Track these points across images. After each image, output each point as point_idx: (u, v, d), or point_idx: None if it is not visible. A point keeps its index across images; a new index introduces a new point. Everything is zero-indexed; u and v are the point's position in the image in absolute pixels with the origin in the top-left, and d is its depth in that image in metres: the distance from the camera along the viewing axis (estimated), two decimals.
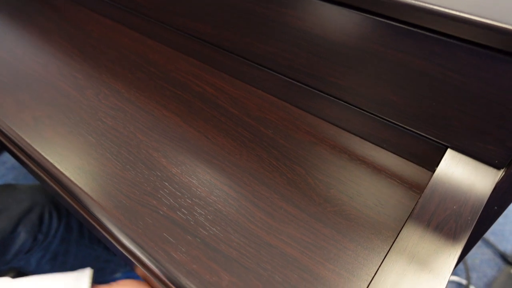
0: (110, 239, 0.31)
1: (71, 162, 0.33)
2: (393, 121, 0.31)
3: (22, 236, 0.57)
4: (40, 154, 0.34)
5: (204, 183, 0.31)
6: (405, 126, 0.31)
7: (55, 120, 0.37)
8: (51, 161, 0.33)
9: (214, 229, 0.28)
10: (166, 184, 0.31)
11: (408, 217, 0.28)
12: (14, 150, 0.39)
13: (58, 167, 0.33)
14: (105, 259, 0.77)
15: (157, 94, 0.40)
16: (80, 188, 0.31)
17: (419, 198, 0.29)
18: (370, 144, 0.34)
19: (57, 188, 0.34)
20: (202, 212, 0.29)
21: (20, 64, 0.44)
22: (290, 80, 0.36)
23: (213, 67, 0.43)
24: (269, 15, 0.33)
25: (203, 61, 0.43)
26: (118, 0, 0.48)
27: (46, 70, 0.43)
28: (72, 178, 0.32)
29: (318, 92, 0.35)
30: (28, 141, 0.34)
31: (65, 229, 0.64)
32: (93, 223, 0.32)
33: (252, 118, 0.37)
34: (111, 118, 0.37)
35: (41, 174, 0.35)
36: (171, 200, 0.30)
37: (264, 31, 0.35)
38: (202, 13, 0.40)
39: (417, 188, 0.31)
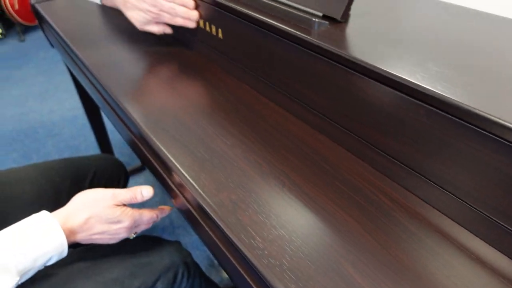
0: None
1: (269, 253, 0.37)
2: None
3: None
4: (239, 240, 0.39)
5: None
6: None
7: (249, 205, 0.42)
8: (250, 252, 0.38)
9: None
10: None
11: None
12: (207, 228, 0.45)
13: (257, 254, 0.37)
14: None
15: (334, 194, 0.44)
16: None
17: None
18: None
19: (248, 279, 0.38)
20: None
21: (212, 142, 0.52)
22: (475, 209, 0.37)
23: (387, 176, 0.46)
24: (461, 147, 0.35)
25: (376, 168, 0.47)
26: (292, 92, 0.55)
27: (234, 152, 0.50)
28: (270, 272, 0.36)
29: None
30: (227, 226, 0.40)
31: None
32: None
33: (432, 239, 0.39)
34: (297, 213, 0.42)
35: (233, 260, 0.40)
36: None
37: (446, 155, 0.37)
38: (385, 125, 0.43)
39: None
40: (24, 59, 2.62)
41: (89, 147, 1.78)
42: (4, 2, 2.64)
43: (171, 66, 0.71)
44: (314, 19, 0.47)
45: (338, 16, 0.48)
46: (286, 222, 0.41)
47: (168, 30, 0.73)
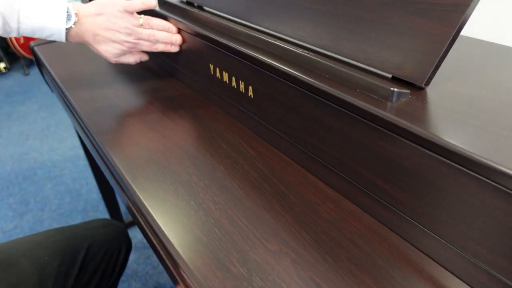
0: None
1: None
2: None
3: None
4: None
5: None
6: None
7: None
8: None
9: None
10: None
11: None
12: None
13: None
14: None
15: None
16: None
17: None
18: None
19: None
20: None
21: (248, 246, 0.39)
22: None
23: None
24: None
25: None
26: (354, 176, 0.42)
27: (281, 265, 0.37)
28: None
29: None
30: None
31: None
32: None
33: None
34: None
35: None
36: None
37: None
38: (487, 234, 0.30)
39: None
40: (27, 94, 2.54)
41: (91, 191, 1.65)
42: None
43: (184, 124, 0.58)
44: (392, 89, 0.35)
45: (421, 82, 0.36)
46: None
47: (145, 57, 0.68)
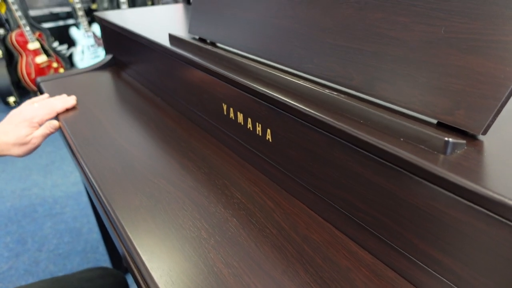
0: None
1: None
2: None
3: None
4: None
5: None
6: None
7: None
8: None
9: None
10: None
11: None
12: None
13: None
14: None
15: None
16: None
17: None
18: None
19: None
20: None
21: None
22: None
23: None
24: None
25: None
26: (396, 241, 0.35)
27: None
28: None
29: None
30: None
31: None
32: None
33: None
34: None
35: None
36: None
37: None
38: None
39: None
40: None
41: (92, 230, 1.57)
42: (21, 70, 2.62)
43: (193, 168, 0.52)
44: (447, 139, 0.29)
45: (478, 131, 0.30)
46: None
47: None
